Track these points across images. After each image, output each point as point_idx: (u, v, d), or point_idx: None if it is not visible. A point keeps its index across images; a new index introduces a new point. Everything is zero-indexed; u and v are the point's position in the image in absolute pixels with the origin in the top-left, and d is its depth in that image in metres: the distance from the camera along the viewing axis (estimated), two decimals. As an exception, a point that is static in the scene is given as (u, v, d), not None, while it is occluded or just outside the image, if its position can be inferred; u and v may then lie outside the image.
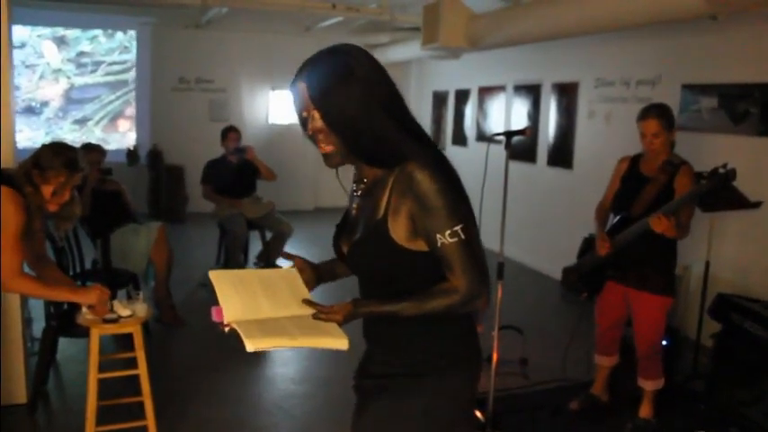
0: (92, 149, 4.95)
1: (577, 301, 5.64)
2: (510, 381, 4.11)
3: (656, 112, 3.38)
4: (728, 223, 4.59)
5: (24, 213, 2.74)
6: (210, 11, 8.38)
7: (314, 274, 1.83)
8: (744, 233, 4.62)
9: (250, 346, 1.53)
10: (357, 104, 1.54)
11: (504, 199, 3.44)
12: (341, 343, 1.62)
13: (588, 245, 3.92)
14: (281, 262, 2.02)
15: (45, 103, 9.43)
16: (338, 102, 1.53)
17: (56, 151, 2.96)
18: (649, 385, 3.61)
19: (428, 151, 1.62)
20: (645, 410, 3.63)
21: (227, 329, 1.61)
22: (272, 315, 1.65)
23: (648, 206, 3.37)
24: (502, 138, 3.43)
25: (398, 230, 1.60)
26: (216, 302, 1.63)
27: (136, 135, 9.77)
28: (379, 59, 1.65)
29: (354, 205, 1.75)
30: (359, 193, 1.73)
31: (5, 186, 2.73)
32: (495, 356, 3.44)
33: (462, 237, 1.56)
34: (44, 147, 3.01)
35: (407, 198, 1.57)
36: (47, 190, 2.89)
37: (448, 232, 1.55)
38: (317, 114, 1.56)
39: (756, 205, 4.06)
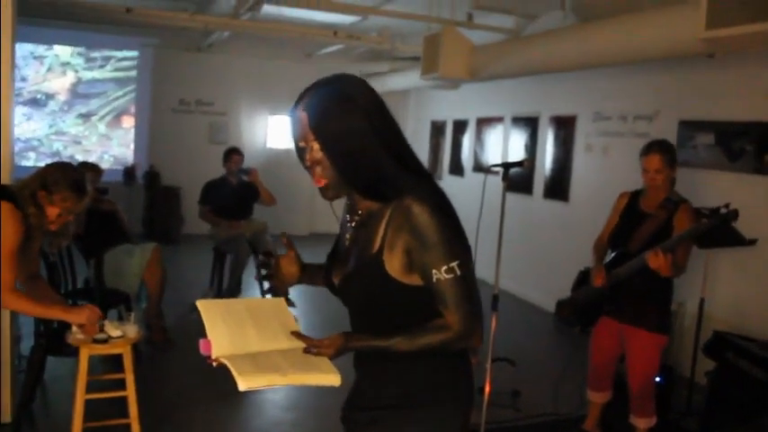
0: (87, 168, 4.95)
1: (570, 334, 5.63)
2: (501, 413, 4.07)
3: (659, 148, 3.37)
4: (723, 260, 4.59)
5: (23, 231, 2.70)
6: (213, 35, 8.47)
7: (298, 271, 1.84)
8: (739, 270, 4.62)
9: (242, 385, 1.49)
10: (357, 136, 1.53)
11: (500, 230, 3.44)
12: (333, 379, 1.59)
13: (584, 277, 3.90)
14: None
15: (51, 96, 9.40)
16: (338, 133, 1.53)
17: (64, 173, 2.90)
18: (642, 423, 3.57)
19: (426, 185, 1.60)
20: (637, 448, 3.60)
21: (215, 364, 1.58)
22: (261, 348, 1.62)
23: (646, 242, 3.35)
24: (499, 169, 3.44)
25: (394, 264, 1.58)
26: (204, 334, 1.59)
27: (134, 155, 9.78)
28: (377, 88, 1.65)
29: (348, 236, 1.73)
30: (352, 224, 1.71)
31: (6, 202, 2.69)
32: (487, 388, 3.41)
33: (458, 273, 1.54)
34: (51, 167, 2.95)
35: (404, 232, 1.55)
36: (52, 211, 2.85)
37: (444, 268, 1.53)
38: (316, 145, 1.55)
39: (752, 243, 4.06)
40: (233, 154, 6.34)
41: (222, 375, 3.86)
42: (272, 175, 8.40)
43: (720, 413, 3.88)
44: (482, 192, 3.21)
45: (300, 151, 1.60)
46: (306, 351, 1.59)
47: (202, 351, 1.59)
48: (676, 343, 4.89)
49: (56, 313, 2.91)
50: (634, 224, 3.47)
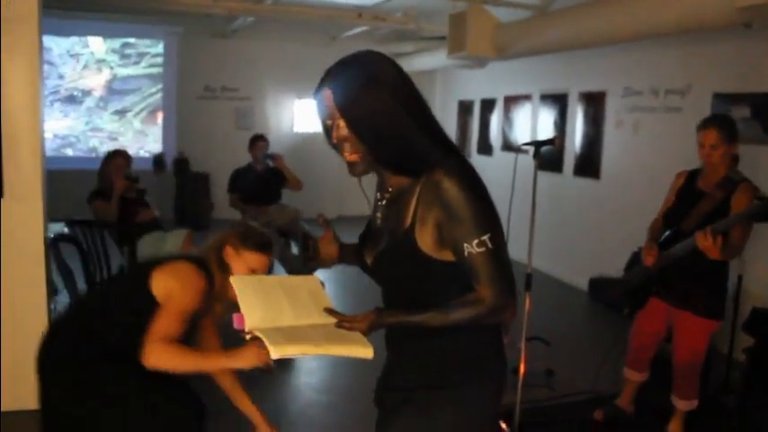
0: (116, 154, 5.00)
1: (604, 313, 5.58)
2: (536, 393, 4.05)
3: (716, 123, 3.25)
4: (762, 236, 4.49)
5: (204, 295, 2.35)
6: (237, 20, 8.48)
7: (337, 251, 1.84)
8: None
9: (274, 353, 1.52)
10: (383, 111, 1.52)
11: (532, 209, 3.40)
12: (366, 352, 1.61)
13: (637, 258, 3.77)
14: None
15: (87, 93, 9.47)
16: (364, 109, 1.52)
17: (249, 230, 2.53)
18: (683, 405, 3.50)
19: (455, 159, 1.59)
20: (674, 427, 3.55)
21: (248, 337, 1.60)
22: (295, 323, 1.64)
23: (701, 222, 3.20)
24: (529, 148, 3.38)
25: (425, 240, 1.57)
26: (238, 309, 1.61)
27: (162, 142, 9.86)
28: (404, 68, 1.63)
29: (378, 215, 1.73)
30: (383, 202, 1.70)
31: (189, 262, 2.40)
32: (522, 368, 3.39)
33: (490, 246, 1.53)
34: (235, 228, 2.57)
35: (435, 207, 1.54)
36: (239, 270, 2.41)
37: (475, 242, 1.52)
38: (342, 122, 1.54)
39: (790, 217, 3.96)
40: (258, 141, 6.37)
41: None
42: (300, 159, 8.43)
43: (759, 390, 3.82)
44: (513, 171, 3.16)
45: (327, 129, 1.60)
46: (338, 326, 1.60)
47: (236, 325, 1.62)
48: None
49: (220, 361, 2.26)
50: (690, 203, 3.34)
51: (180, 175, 9.43)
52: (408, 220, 1.59)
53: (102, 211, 4.73)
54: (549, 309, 5.88)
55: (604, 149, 6.35)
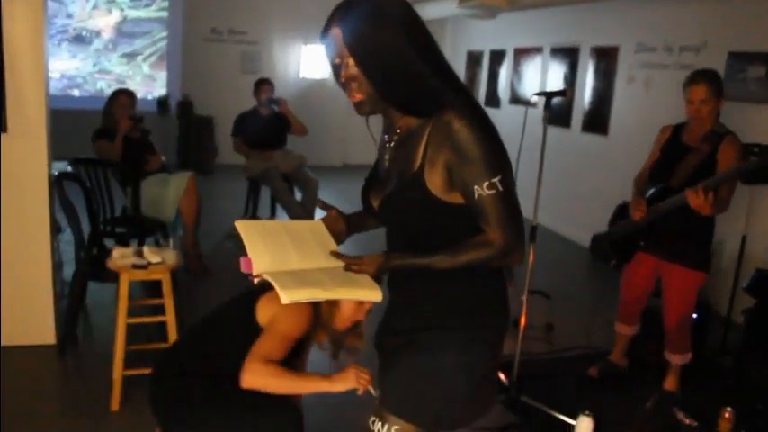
0: (121, 93, 4.94)
1: (605, 270, 5.59)
2: (534, 346, 4.09)
3: (705, 78, 3.23)
4: (764, 198, 4.47)
5: (306, 328, 2.27)
6: (245, -39, 8.29)
7: (345, 226, 1.82)
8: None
9: (285, 298, 1.50)
10: (392, 49, 1.49)
11: (540, 162, 3.37)
12: (375, 294, 1.61)
13: (622, 212, 3.81)
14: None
15: (96, 33, 9.33)
16: (373, 46, 1.49)
17: None
18: (677, 359, 3.56)
19: (465, 100, 1.57)
20: (670, 383, 3.60)
21: (256, 281, 1.60)
22: (302, 266, 1.63)
23: (689, 177, 3.25)
24: (537, 100, 3.34)
25: (435, 181, 1.56)
26: (244, 253, 1.60)
27: (166, 85, 9.76)
28: None
29: (386, 157, 1.71)
30: (391, 144, 1.68)
31: None
32: (523, 321, 3.41)
33: (500, 189, 1.52)
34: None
35: (445, 148, 1.53)
36: (346, 308, 2.27)
37: (486, 184, 1.51)
38: (350, 60, 1.52)
39: (799, 180, 3.94)
40: (263, 84, 6.31)
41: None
42: (306, 105, 8.36)
43: (756, 351, 3.86)
44: (523, 124, 3.11)
45: (336, 68, 1.57)
46: (346, 269, 1.60)
47: (243, 269, 1.60)
48: (713, 281, 4.83)
49: (317, 385, 2.13)
50: (676, 158, 3.37)
51: (184, 118, 9.36)
52: (418, 162, 1.57)
53: (106, 150, 4.70)
54: (551, 264, 5.90)
55: (614, 106, 6.28)
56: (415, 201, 1.59)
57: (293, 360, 2.29)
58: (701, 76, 3.25)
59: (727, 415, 3.16)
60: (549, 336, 4.32)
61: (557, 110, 6.56)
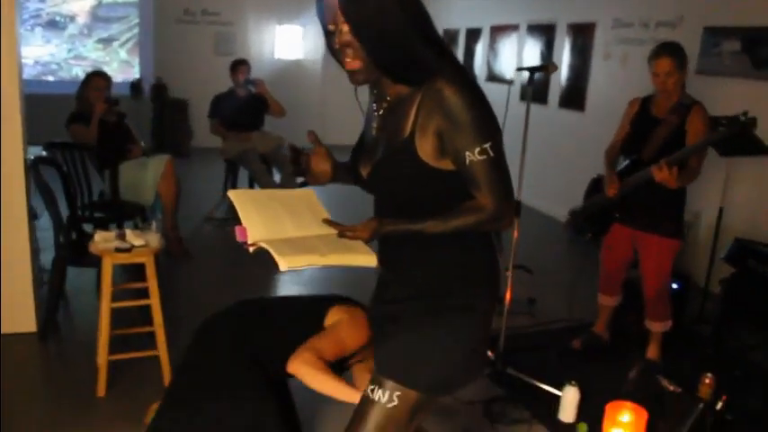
0: (96, 75, 4.85)
1: (583, 244, 5.65)
2: (517, 320, 4.14)
3: (669, 51, 3.30)
4: (743, 170, 4.54)
5: (361, 344, 2.33)
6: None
7: (331, 168, 1.80)
8: (758, 180, 4.57)
9: (283, 265, 1.51)
10: (387, 16, 1.49)
11: (523, 138, 3.38)
12: (370, 260, 1.62)
13: (596, 185, 3.89)
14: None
15: (71, 18, 9.13)
16: (368, 13, 1.48)
17: None
18: (657, 327, 3.63)
19: (455, 67, 1.58)
20: (652, 351, 3.67)
21: (251, 249, 1.59)
22: (297, 234, 1.64)
23: (659, 149, 3.33)
24: (515, 77, 3.34)
25: (426, 148, 1.57)
26: (237, 222, 1.60)
27: (139, 68, 9.60)
28: None
29: (374, 125, 1.71)
30: (380, 112, 1.68)
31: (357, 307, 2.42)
32: (508, 295, 3.44)
33: (491, 155, 1.54)
34: None
35: (436, 115, 1.53)
36: None
37: (477, 149, 1.52)
38: (345, 27, 1.51)
39: (774, 151, 4.01)
40: (239, 65, 6.26)
41: (241, 283, 3.89)
42: (282, 86, 8.26)
43: (733, 320, 3.94)
44: (506, 101, 3.10)
45: (329, 35, 1.57)
46: (341, 235, 1.60)
47: (238, 238, 1.60)
48: (691, 253, 4.91)
49: (351, 395, 2.16)
50: (646, 130, 3.43)
51: (158, 101, 9.23)
52: (408, 129, 1.58)
53: (81, 134, 4.62)
54: (531, 239, 5.94)
55: (591, 82, 6.32)
56: (405, 168, 1.60)
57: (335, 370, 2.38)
58: (665, 50, 3.31)
59: (707, 381, 3.25)
60: (532, 309, 4.37)
61: (534, 86, 6.58)
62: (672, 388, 3.30)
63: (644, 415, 2.71)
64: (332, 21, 1.54)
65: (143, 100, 9.18)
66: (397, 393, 1.67)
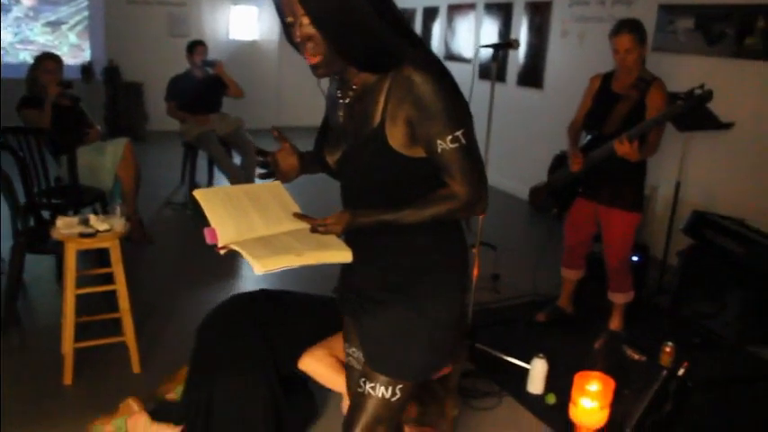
0: (46, 58, 4.70)
1: (545, 221, 5.75)
2: (483, 296, 4.19)
3: (629, 28, 3.35)
4: (699, 144, 4.66)
5: None
6: None
7: (298, 162, 1.78)
8: (714, 154, 4.70)
9: (259, 268, 1.46)
10: (348, 6, 1.44)
11: (489, 118, 3.41)
12: (345, 255, 1.60)
13: (559, 161, 3.96)
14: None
15: (16, 0, 8.76)
16: (330, 4, 1.43)
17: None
18: (620, 298, 3.72)
19: (423, 53, 1.54)
20: (615, 323, 3.77)
21: (222, 252, 1.55)
22: (267, 232, 1.59)
23: (621, 124, 3.40)
24: (474, 56, 3.36)
25: (396, 137, 1.54)
26: (206, 223, 1.55)
27: (90, 50, 9.34)
28: None
29: (340, 113, 1.67)
30: (346, 100, 1.64)
31: None
32: (475, 272, 3.48)
33: (463, 142, 1.52)
34: None
35: (406, 103, 1.50)
36: None
37: (449, 137, 1.50)
38: (306, 20, 1.46)
39: (728, 126, 4.14)
40: (197, 45, 6.14)
41: (205, 266, 3.88)
42: (237, 68, 8.13)
43: (691, 290, 4.06)
44: (471, 82, 3.12)
45: (288, 27, 1.52)
46: (313, 230, 1.58)
47: (208, 240, 1.55)
48: (650, 226, 5.03)
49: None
50: (608, 106, 3.49)
51: (110, 84, 8.99)
52: (378, 118, 1.55)
53: (34, 118, 4.48)
54: (494, 218, 6.00)
55: (548, 60, 6.38)
56: (375, 157, 1.57)
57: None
58: (625, 26, 3.37)
59: (668, 349, 3.35)
60: (497, 285, 4.43)
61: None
62: (636, 357, 3.39)
63: (611, 384, 2.79)
64: (290, 13, 1.48)
65: (95, 84, 8.94)
66: (399, 387, 1.69)
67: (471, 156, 1.55)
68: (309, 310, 2.70)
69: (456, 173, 1.54)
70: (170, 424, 2.62)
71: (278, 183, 1.75)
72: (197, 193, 1.59)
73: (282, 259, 1.50)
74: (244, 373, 2.53)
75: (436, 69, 1.51)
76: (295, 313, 2.69)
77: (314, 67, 1.54)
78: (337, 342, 2.34)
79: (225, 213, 1.57)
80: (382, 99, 1.54)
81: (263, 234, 1.59)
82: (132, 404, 2.71)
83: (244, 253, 1.49)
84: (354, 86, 1.61)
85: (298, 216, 1.63)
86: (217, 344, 2.62)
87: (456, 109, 1.51)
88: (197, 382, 2.60)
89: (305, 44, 1.50)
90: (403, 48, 1.51)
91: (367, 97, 1.58)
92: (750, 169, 4.46)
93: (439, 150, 1.52)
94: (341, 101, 1.66)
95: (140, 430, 2.64)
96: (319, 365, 2.54)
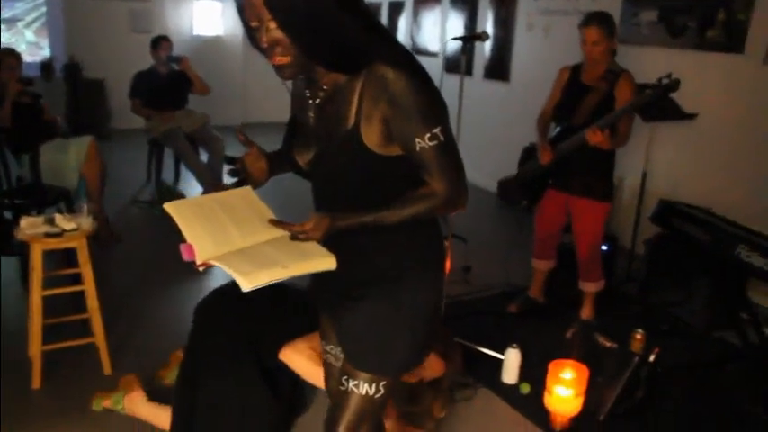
0: (5, 54, 4.58)
1: (513, 214, 5.79)
2: (455, 288, 4.21)
3: (597, 20, 3.39)
4: (664, 135, 4.74)
5: None
6: None
7: (266, 165, 1.73)
8: (678, 144, 4.78)
9: (247, 285, 1.40)
10: (316, 7, 1.39)
11: (458, 111, 3.42)
12: (329, 262, 1.55)
13: (529, 154, 3.99)
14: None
15: None
16: (295, 6, 1.38)
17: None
18: (590, 287, 3.77)
19: (396, 50, 1.51)
20: (586, 312, 3.81)
21: (201, 269, 1.50)
22: (245, 243, 1.55)
23: (590, 115, 3.44)
24: (440, 49, 3.36)
25: (372, 137, 1.51)
26: (180, 239, 1.49)
27: (49, 47, 9.13)
28: None
29: (311, 114, 1.63)
30: (317, 101, 1.60)
31: None
32: (448, 264, 3.49)
33: (442, 139, 1.50)
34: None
35: (381, 102, 1.47)
36: None
37: (427, 136, 1.48)
38: (272, 24, 1.40)
39: (692, 117, 4.22)
40: (161, 41, 6.04)
41: (172, 265, 3.84)
42: (201, 64, 7.99)
43: (658, 278, 4.13)
44: (440, 76, 3.12)
45: (251, 31, 1.46)
46: (293, 238, 1.54)
47: (185, 257, 1.49)
48: (617, 216, 5.10)
49: None
50: (577, 98, 3.53)
51: (71, 82, 8.80)
52: (352, 119, 1.51)
53: (-7, 117, 4.37)
54: (464, 211, 6.03)
55: (515, 53, 6.42)
56: (351, 158, 1.54)
57: None
58: (594, 19, 3.41)
59: (638, 336, 3.40)
60: (468, 277, 4.45)
61: (457, 58, 6.63)
62: (608, 344, 3.45)
63: (585, 371, 2.82)
64: (255, 18, 1.42)
65: (55, 81, 8.74)
66: (383, 383, 1.68)
67: (450, 153, 1.54)
68: (294, 302, 2.71)
69: (435, 171, 1.53)
70: (164, 405, 2.70)
71: (248, 188, 1.70)
72: (168, 207, 1.53)
73: (269, 273, 1.45)
74: (228, 370, 2.55)
75: (410, 66, 1.48)
76: (281, 305, 2.71)
77: (280, 70, 1.49)
78: (318, 336, 2.36)
79: (200, 227, 1.52)
80: (355, 99, 1.50)
81: (241, 246, 1.54)
82: (132, 381, 2.82)
83: (227, 269, 1.44)
84: (325, 86, 1.58)
85: (273, 223, 1.58)
86: (202, 339, 2.64)
87: (433, 106, 1.49)
88: (183, 379, 2.62)
89: (273, 49, 1.45)
90: (374, 46, 1.48)
91: (338, 97, 1.54)
92: (713, 158, 4.55)
93: (417, 149, 1.50)
94: (310, 101, 1.62)
95: (137, 407, 2.75)
96: (300, 358, 2.57)
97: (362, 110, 1.50)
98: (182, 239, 1.49)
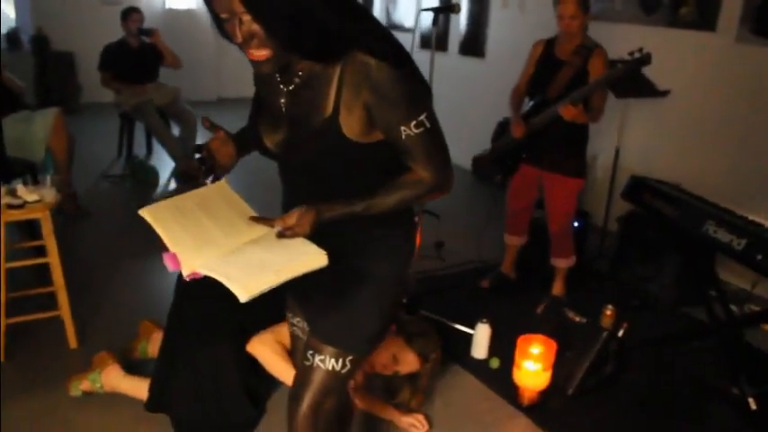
0: None
1: (488, 189, 5.79)
2: (427, 264, 4.20)
3: None
4: (637, 112, 4.75)
5: None
6: None
7: (234, 148, 1.67)
8: (651, 121, 4.79)
9: (244, 296, 1.34)
10: None
11: (430, 86, 3.38)
12: (320, 259, 1.47)
13: (503, 128, 3.97)
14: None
15: None
16: None
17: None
18: (562, 263, 3.78)
19: (375, 32, 1.45)
20: (557, 288, 3.83)
21: (188, 278, 1.44)
22: (231, 245, 1.49)
23: (564, 89, 3.44)
24: (414, 24, 3.33)
25: (352, 126, 1.46)
26: (163, 247, 1.44)
27: (16, 17, 8.89)
28: None
29: (283, 101, 1.57)
30: (291, 87, 1.54)
31: None
32: (417, 240, 3.47)
33: (427, 125, 1.47)
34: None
35: (363, 90, 1.41)
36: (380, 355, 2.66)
37: (413, 123, 1.45)
38: (247, 17, 1.32)
39: (664, 94, 4.23)
40: (132, 12, 5.91)
41: (141, 239, 3.79)
42: (174, 37, 7.85)
43: (629, 255, 4.16)
44: (413, 49, 3.07)
45: (221, 22, 1.38)
46: (279, 236, 1.47)
47: (170, 268, 1.43)
48: (590, 193, 5.12)
49: None
50: (550, 72, 3.53)
51: (39, 54, 8.59)
52: (329, 108, 1.46)
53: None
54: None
55: (490, 29, 6.38)
56: (329, 147, 1.49)
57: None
58: None
59: (608, 312, 3.43)
60: (440, 253, 4.45)
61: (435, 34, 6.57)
62: (578, 319, 3.47)
63: (553, 346, 2.83)
64: (225, 9, 1.34)
65: (22, 53, 8.53)
66: (349, 358, 1.66)
67: (436, 138, 1.52)
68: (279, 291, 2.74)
69: (421, 158, 1.51)
70: (143, 377, 2.69)
71: (223, 183, 1.65)
72: (144, 213, 1.47)
73: (264, 280, 1.39)
74: (212, 344, 2.54)
75: (393, 52, 1.43)
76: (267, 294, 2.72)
77: (257, 64, 1.42)
78: (285, 330, 2.35)
79: (181, 232, 1.46)
80: (333, 87, 1.45)
81: (225, 247, 1.48)
82: (106, 357, 2.78)
83: (221, 279, 1.37)
84: (300, 73, 1.51)
85: (255, 219, 1.54)
86: (187, 312, 2.62)
87: (417, 92, 1.45)
88: (166, 350, 2.62)
89: (248, 42, 1.37)
90: (354, 32, 1.41)
91: (315, 84, 1.48)
92: (686, 136, 4.57)
93: (403, 137, 1.47)
94: (282, 87, 1.56)
95: (114, 381, 2.72)
96: (266, 350, 2.58)
97: (342, 98, 1.44)
98: (164, 248, 1.43)
